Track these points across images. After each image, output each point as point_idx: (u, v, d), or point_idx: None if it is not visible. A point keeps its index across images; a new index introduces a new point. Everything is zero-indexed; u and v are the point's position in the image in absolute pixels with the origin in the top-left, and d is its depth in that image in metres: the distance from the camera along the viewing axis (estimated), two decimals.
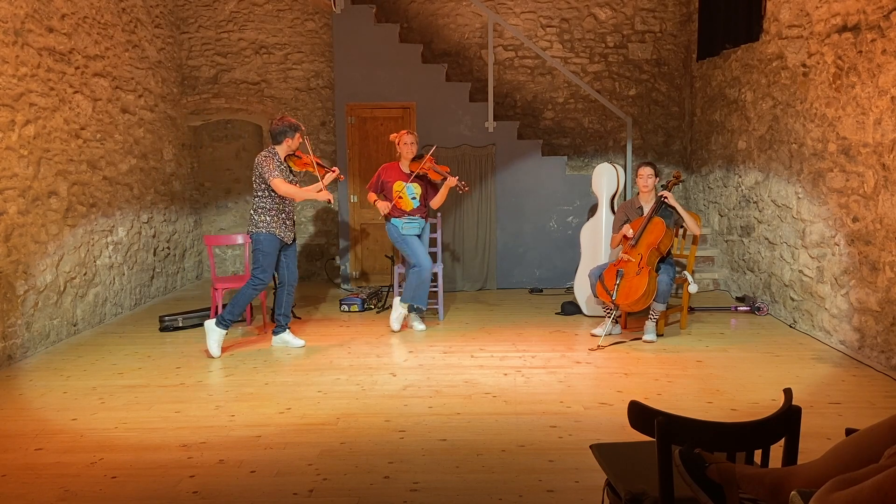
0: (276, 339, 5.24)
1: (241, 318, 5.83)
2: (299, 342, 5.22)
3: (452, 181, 5.53)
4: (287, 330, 5.25)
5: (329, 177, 5.14)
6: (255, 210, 4.99)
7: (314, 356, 4.99)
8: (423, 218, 5.67)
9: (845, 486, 1.46)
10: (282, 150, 5.03)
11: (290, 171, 5.10)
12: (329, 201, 5.05)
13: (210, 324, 4.96)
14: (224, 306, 5.32)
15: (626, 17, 8.05)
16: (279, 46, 8.01)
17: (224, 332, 4.97)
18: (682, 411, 2.04)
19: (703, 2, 7.12)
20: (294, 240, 5.20)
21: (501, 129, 7.27)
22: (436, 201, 5.68)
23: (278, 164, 4.96)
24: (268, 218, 4.95)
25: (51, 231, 5.41)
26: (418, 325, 5.69)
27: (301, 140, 5.10)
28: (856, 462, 1.61)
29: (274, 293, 6.07)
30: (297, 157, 5.14)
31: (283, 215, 5.01)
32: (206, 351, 4.99)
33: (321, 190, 5.05)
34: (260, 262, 4.96)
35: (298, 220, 8.17)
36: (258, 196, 4.98)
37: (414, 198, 5.60)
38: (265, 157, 4.94)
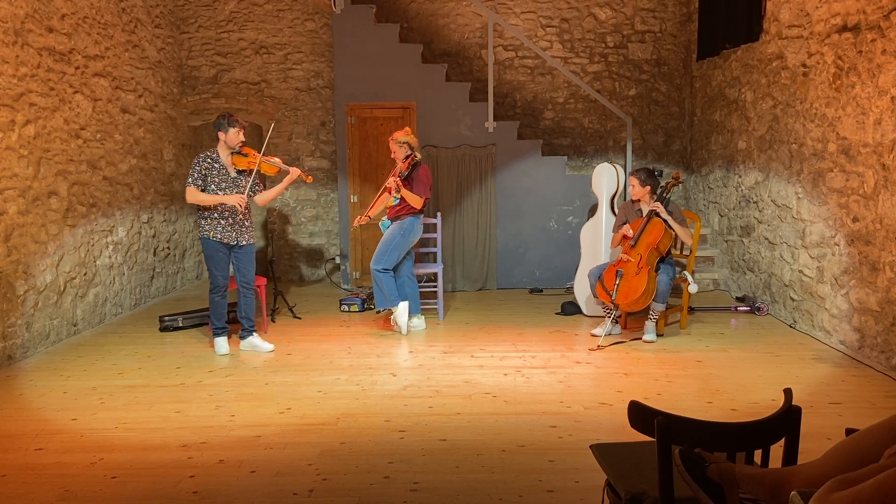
0: (244, 344, 5.13)
1: (233, 319, 5.88)
2: (267, 346, 5.10)
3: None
4: (253, 334, 5.13)
5: (289, 177, 5.06)
6: (196, 214, 4.97)
7: (314, 356, 4.99)
8: (391, 219, 5.58)
9: (845, 486, 1.46)
10: (221, 147, 4.92)
11: (239, 172, 4.94)
12: (239, 205, 4.84)
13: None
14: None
15: (626, 17, 8.05)
16: (279, 46, 8.01)
17: (224, 337, 5.07)
18: (682, 411, 2.05)
19: (703, 2, 7.12)
20: (243, 242, 4.98)
21: (501, 129, 7.27)
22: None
23: (202, 168, 4.83)
24: (203, 222, 4.92)
25: (51, 231, 5.41)
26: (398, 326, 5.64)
27: (241, 137, 4.90)
28: (856, 462, 1.61)
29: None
30: (244, 154, 4.94)
31: (218, 215, 4.88)
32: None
33: (237, 202, 4.84)
34: (206, 265, 5.02)
35: (297, 219, 8.17)
36: None
37: (395, 196, 5.57)
38: (194, 161, 4.89)
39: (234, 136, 4.89)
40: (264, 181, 5.16)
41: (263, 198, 5.17)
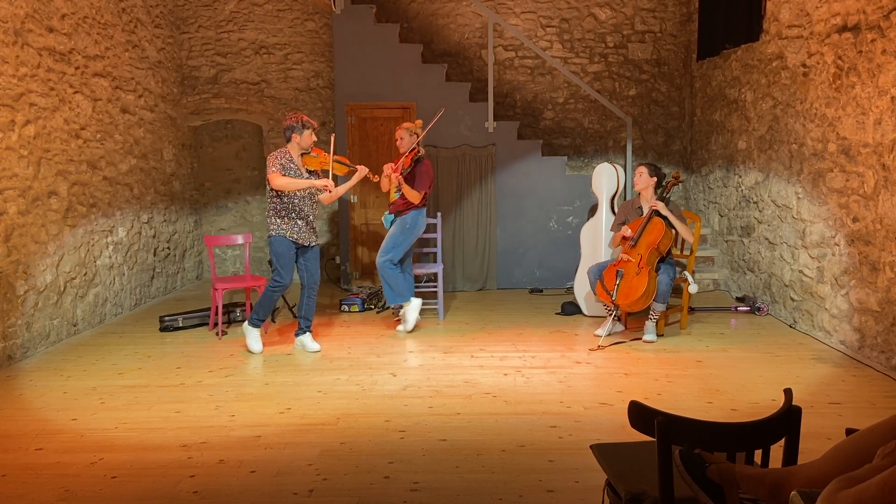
0: (297, 342, 5.20)
1: (233, 320, 5.92)
2: (315, 346, 5.12)
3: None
4: (307, 333, 5.17)
5: (357, 175, 5.10)
6: (267, 212, 4.98)
7: (314, 356, 4.99)
8: (394, 213, 5.64)
9: (850, 485, 1.47)
10: (293, 148, 4.95)
11: (309, 172, 5.00)
12: (327, 189, 4.87)
13: (245, 325, 5.11)
14: (251, 307, 5.60)
15: (626, 17, 8.05)
16: (279, 46, 8.01)
17: (258, 330, 5.08)
18: (682, 411, 2.05)
19: (703, 2, 7.12)
20: (313, 243, 5.05)
21: (501, 129, 7.27)
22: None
23: (284, 162, 4.85)
24: (277, 220, 4.91)
25: (51, 231, 5.41)
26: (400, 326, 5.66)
27: (314, 137, 4.98)
28: (856, 462, 1.61)
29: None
30: (314, 155, 5.00)
31: (294, 215, 4.91)
32: (246, 347, 5.10)
33: (325, 183, 4.86)
34: (275, 264, 4.96)
35: None
36: (269, 198, 4.96)
37: (397, 190, 5.61)
38: (271, 155, 4.88)
39: (308, 137, 4.95)
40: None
41: (331, 196, 5.16)
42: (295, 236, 4.93)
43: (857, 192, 4.70)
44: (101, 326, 6.03)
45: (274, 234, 4.92)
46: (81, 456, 3.33)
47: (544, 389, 4.20)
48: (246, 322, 5.12)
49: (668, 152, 8.23)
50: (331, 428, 3.64)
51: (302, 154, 4.99)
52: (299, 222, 4.95)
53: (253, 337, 5.06)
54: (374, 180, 5.32)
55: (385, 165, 5.62)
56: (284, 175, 4.83)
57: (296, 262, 5.04)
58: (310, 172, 5.03)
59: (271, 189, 4.88)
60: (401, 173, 5.48)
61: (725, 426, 1.84)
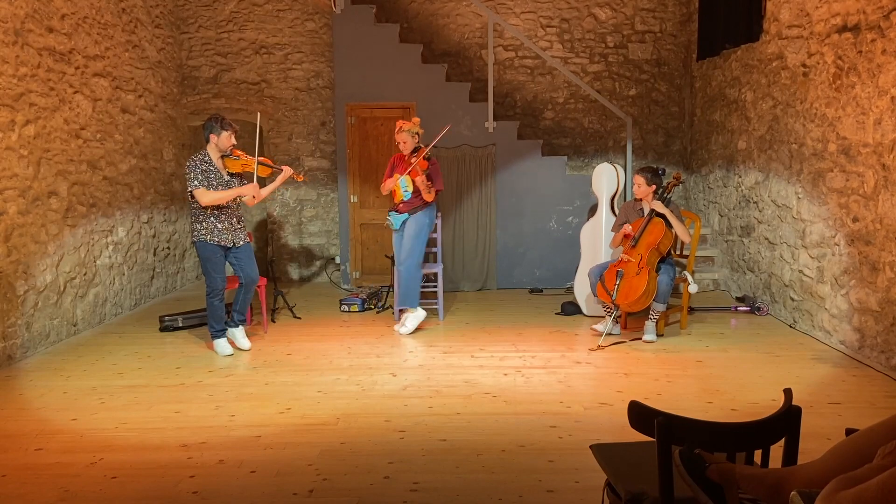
0: (227, 332, 5.11)
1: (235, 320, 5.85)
2: (246, 344, 5.10)
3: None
4: (239, 327, 5.14)
5: (282, 176, 5.03)
6: (190, 219, 4.93)
7: (314, 356, 4.99)
8: (407, 212, 5.60)
9: (850, 485, 1.47)
10: (211, 150, 4.87)
11: (231, 175, 4.93)
12: (254, 196, 4.86)
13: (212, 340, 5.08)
14: (250, 308, 5.53)
15: (626, 17, 8.05)
16: (279, 46, 8.01)
17: (223, 338, 5.05)
18: (682, 411, 2.04)
19: (703, 2, 7.12)
20: (239, 242, 4.98)
21: (501, 129, 7.26)
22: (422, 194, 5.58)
23: (202, 170, 4.78)
24: (198, 226, 4.86)
25: (51, 231, 5.41)
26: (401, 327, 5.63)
27: (233, 140, 4.87)
28: (855, 462, 1.61)
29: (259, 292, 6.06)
30: (235, 157, 4.90)
31: (213, 218, 4.84)
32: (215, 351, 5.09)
33: (251, 191, 4.84)
34: (203, 269, 4.96)
35: (298, 220, 8.17)
36: (189, 203, 4.90)
37: (406, 191, 5.57)
38: (188, 165, 4.81)
39: (227, 139, 4.86)
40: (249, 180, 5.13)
41: (257, 199, 5.12)
42: (216, 239, 4.86)
43: (857, 192, 4.70)
44: (101, 326, 6.03)
45: (195, 239, 4.88)
46: (81, 456, 3.33)
47: (544, 389, 4.20)
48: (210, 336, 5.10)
49: (668, 152, 8.23)
50: (331, 428, 3.64)
51: (222, 156, 4.90)
52: (219, 225, 4.87)
53: (221, 345, 5.03)
54: (299, 180, 5.22)
55: (395, 174, 5.56)
56: (207, 187, 4.78)
57: (227, 262, 4.99)
58: (231, 175, 4.94)
59: (191, 196, 4.83)
60: (422, 175, 5.45)
61: (725, 426, 1.84)
